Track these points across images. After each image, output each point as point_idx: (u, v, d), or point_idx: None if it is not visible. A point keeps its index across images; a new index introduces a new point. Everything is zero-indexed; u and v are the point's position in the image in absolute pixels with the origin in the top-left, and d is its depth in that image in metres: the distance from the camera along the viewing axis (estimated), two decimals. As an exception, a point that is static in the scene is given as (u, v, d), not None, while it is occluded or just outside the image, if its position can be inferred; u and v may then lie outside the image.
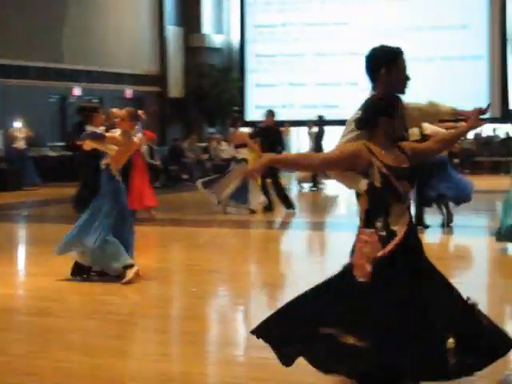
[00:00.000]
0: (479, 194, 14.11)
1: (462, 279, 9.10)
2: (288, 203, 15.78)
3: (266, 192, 15.74)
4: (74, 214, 11.55)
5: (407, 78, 4.98)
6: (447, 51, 27.24)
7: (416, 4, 27.92)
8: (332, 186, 23.28)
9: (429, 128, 10.57)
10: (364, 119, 4.66)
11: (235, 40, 31.53)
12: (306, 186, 21.85)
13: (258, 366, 5.74)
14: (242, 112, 29.05)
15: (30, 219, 16.47)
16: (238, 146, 15.70)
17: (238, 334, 6.99)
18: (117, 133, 8.70)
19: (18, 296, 8.52)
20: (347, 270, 4.68)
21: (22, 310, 7.90)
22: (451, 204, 12.73)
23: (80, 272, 8.78)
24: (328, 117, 28.60)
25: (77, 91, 26.12)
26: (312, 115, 28.58)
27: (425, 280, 4.56)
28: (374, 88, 4.97)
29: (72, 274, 8.75)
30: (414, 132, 10.48)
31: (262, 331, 4.87)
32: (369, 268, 4.51)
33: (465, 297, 4.68)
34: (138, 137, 9.29)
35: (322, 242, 12.92)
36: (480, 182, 15.88)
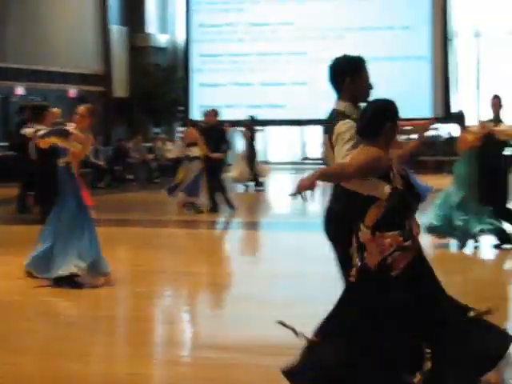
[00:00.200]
0: (422, 192, 14.27)
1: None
2: (230, 204, 15.79)
3: (211, 194, 15.72)
4: (14, 215, 11.40)
5: (370, 87, 5.03)
6: (391, 51, 27.50)
7: (360, 4, 28.13)
8: (273, 186, 23.38)
9: None
10: (372, 126, 4.67)
11: (180, 40, 31.44)
12: (250, 186, 21.83)
13: (204, 366, 5.74)
14: (186, 112, 28.98)
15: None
16: (189, 145, 15.66)
17: (184, 335, 6.98)
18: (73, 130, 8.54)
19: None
20: (364, 276, 4.66)
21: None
22: None
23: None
24: (274, 117, 28.77)
25: (20, 90, 25.82)
26: (257, 115, 28.72)
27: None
28: (338, 97, 5.00)
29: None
30: None
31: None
32: (405, 262, 4.58)
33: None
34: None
35: (268, 241, 12.95)
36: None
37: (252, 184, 21.81)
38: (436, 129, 28.21)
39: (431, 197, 11.01)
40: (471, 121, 11.73)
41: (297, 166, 29.72)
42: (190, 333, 7.08)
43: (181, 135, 16.66)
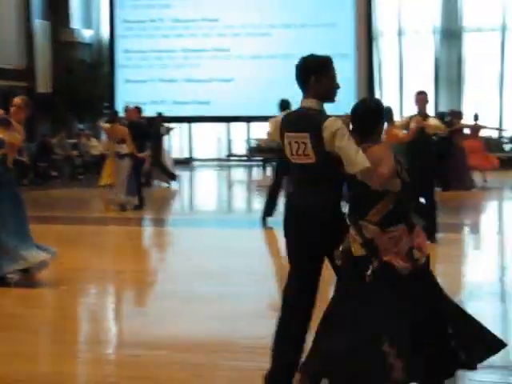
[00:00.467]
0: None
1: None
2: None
3: (139, 190, 15.66)
4: None
5: (337, 86, 5.05)
6: (315, 49, 27.37)
7: (285, 1, 28.25)
8: (198, 182, 23.37)
9: None
10: (373, 125, 4.86)
11: (105, 35, 31.16)
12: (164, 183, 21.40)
13: (129, 364, 5.73)
14: (111, 108, 28.74)
15: None
16: (119, 142, 15.48)
17: (110, 333, 6.95)
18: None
19: None
20: (387, 273, 4.67)
21: None
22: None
23: None
24: (200, 113, 28.73)
25: None
26: (183, 111, 28.64)
27: None
28: (305, 96, 4.97)
29: None
30: None
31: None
32: (417, 255, 4.68)
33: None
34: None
35: (192, 238, 12.93)
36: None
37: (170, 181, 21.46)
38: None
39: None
40: (395, 117, 11.96)
41: (222, 162, 29.74)
42: (115, 331, 7.05)
43: (105, 131, 16.40)
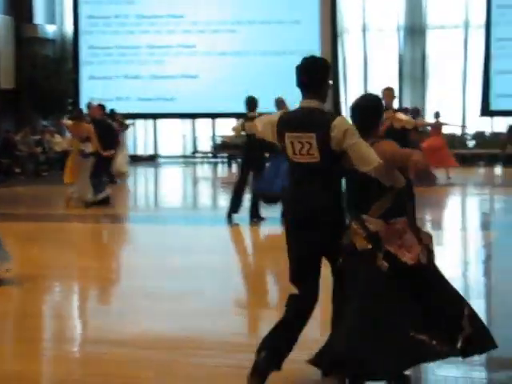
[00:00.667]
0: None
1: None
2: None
3: (102, 188, 15.61)
4: None
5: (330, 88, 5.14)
6: (281, 46, 27.72)
7: (250, -2, 28.28)
8: (163, 179, 23.32)
9: None
10: (376, 121, 4.97)
11: (69, 31, 30.95)
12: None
13: (93, 361, 5.72)
14: (76, 104, 28.56)
15: None
16: (83, 140, 15.39)
17: (74, 330, 6.92)
18: None
19: None
20: (393, 263, 4.73)
21: None
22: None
23: None
24: (165, 110, 28.65)
25: None
26: (148, 108, 28.54)
27: None
28: (307, 97, 4.96)
29: None
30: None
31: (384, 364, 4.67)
32: (418, 249, 4.77)
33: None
34: None
35: (157, 235, 12.90)
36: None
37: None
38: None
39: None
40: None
41: (187, 159, 29.69)
42: (79, 328, 7.03)
43: (68, 129, 16.30)
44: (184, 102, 28.18)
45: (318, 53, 27.49)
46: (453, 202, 17.10)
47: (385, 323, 4.62)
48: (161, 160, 30.17)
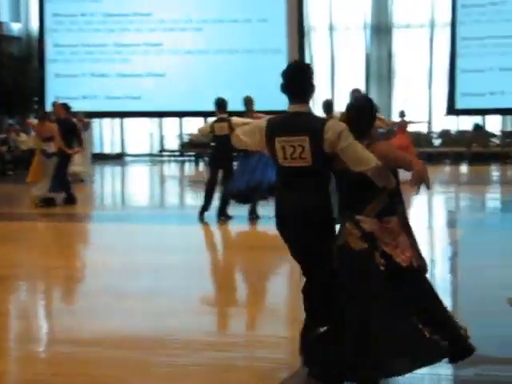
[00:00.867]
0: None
1: (281, 269, 9.42)
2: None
3: (68, 186, 15.52)
4: None
5: None
6: (248, 44, 27.74)
7: (218, -3, 28.25)
8: (130, 178, 23.23)
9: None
10: (368, 123, 4.97)
11: (34, 29, 30.73)
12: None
13: (61, 361, 5.68)
14: (42, 103, 28.37)
15: None
16: (46, 140, 15.29)
17: (41, 330, 6.88)
18: None
19: None
20: (388, 264, 4.78)
21: None
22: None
23: None
24: (132, 108, 28.53)
25: None
26: (115, 106, 28.41)
27: None
28: (296, 101, 4.98)
29: None
30: None
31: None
32: (410, 253, 4.83)
33: None
34: None
35: (124, 234, 12.85)
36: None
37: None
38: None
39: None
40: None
41: (154, 157, 29.61)
42: (46, 328, 6.98)
43: (34, 127, 16.21)
44: (151, 100, 28.09)
45: (285, 51, 27.57)
46: (419, 201, 17.18)
47: (390, 322, 4.69)
48: (128, 159, 30.05)
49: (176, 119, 29.92)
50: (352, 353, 4.67)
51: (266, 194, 12.76)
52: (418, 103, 27.26)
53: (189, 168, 27.46)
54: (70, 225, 14.04)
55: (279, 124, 5.02)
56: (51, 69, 29.37)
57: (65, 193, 15.44)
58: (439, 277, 8.53)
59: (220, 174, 13.00)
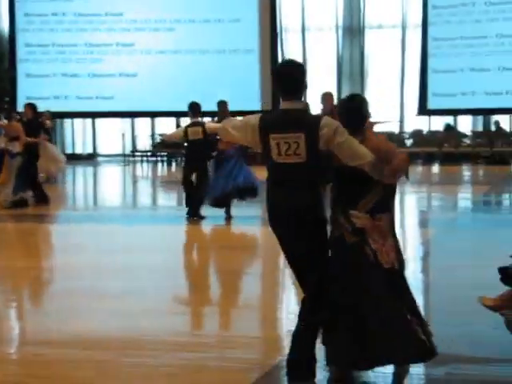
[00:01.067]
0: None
1: (252, 269, 9.41)
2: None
3: (38, 186, 15.43)
4: None
5: None
6: (220, 44, 27.74)
7: (189, -4, 28.21)
8: (105, 178, 23.14)
9: None
10: (361, 120, 5.08)
11: (5, 28, 30.54)
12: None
13: (32, 362, 5.65)
14: (13, 103, 28.21)
15: None
16: (11, 139, 15.20)
17: (12, 331, 6.83)
18: None
19: None
20: (373, 259, 4.87)
21: None
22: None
23: None
24: (103, 108, 28.43)
25: None
26: (86, 106, 28.30)
27: None
28: (290, 98, 4.95)
29: None
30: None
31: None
32: (393, 257, 4.92)
33: None
34: None
35: (95, 235, 12.79)
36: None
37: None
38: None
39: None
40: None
41: (126, 158, 29.53)
42: (17, 329, 6.93)
43: (3, 128, 16.16)
44: (123, 100, 28.01)
45: (257, 51, 27.60)
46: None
47: (386, 318, 4.77)
48: (100, 159, 29.94)
49: (148, 119, 29.86)
50: (347, 347, 4.78)
51: (237, 197, 12.87)
52: (389, 103, 27.39)
53: (161, 168, 27.40)
54: (40, 226, 13.96)
55: (274, 121, 5.02)
56: (22, 69, 29.20)
57: (33, 192, 15.34)
58: (411, 276, 8.56)
59: (193, 176, 13.05)
